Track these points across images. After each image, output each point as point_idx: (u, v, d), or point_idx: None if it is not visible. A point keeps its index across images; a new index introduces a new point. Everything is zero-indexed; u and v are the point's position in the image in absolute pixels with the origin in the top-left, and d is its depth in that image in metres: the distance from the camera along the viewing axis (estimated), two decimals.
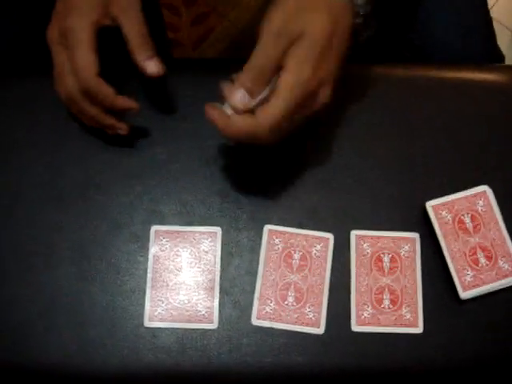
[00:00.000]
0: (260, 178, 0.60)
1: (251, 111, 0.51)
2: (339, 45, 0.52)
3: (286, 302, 0.56)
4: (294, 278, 0.57)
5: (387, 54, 0.76)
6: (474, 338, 0.56)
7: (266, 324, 0.56)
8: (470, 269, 0.57)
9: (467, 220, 0.58)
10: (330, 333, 0.55)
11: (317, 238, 0.58)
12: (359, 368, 0.55)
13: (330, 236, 0.58)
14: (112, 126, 0.58)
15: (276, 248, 0.57)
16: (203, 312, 0.56)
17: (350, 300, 0.56)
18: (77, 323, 0.55)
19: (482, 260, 0.57)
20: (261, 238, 0.58)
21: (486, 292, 0.56)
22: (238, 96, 0.51)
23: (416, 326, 0.56)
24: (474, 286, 0.56)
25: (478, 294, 0.56)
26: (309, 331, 0.55)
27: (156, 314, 0.55)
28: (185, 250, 0.57)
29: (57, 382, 0.56)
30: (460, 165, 0.60)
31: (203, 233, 0.58)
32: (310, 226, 0.58)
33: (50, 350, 0.55)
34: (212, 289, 0.56)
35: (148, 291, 0.56)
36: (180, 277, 0.56)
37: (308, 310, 0.56)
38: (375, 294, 0.57)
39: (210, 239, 0.57)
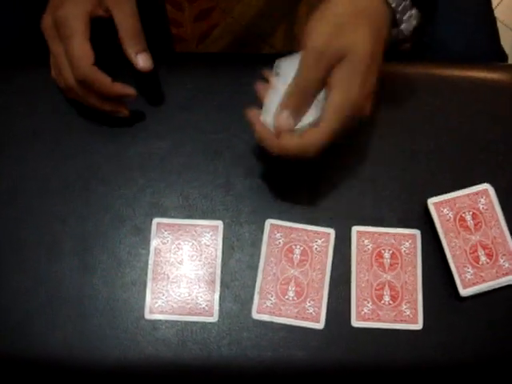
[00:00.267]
0: (262, 172, 0.60)
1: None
2: (379, 56, 0.53)
3: (286, 297, 0.56)
4: (294, 272, 0.57)
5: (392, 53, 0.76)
6: (474, 336, 0.56)
7: (266, 318, 0.56)
8: (470, 266, 0.57)
9: (468, 218, 0.58)
10: (329, 328, 0.56)
11: (318, 233, 0.58)
12: (358, 363, 0.55)
13: (331, 231, 0.58)
14: (111, 111, 0.58)
15: (277, 242, 0.57)
16: (203, 305, 0.56)
17: (350, 295, 0.56)
18: (78, 315, 0.56)
19: (483, 258, 0.57)
20: (262, 232, 0.58)
21: (486, 290, 0.57)
22: (283, 118, 0.51)
23: (416, 322, 0.56)
24: (474, 284, 0.56)
25: (478, 292, 0.56)
26: (309, 326, 0.56)
27: (156, 306, 0.56)
28: (186, 243, 0.57)
29: (57, 374, 0.56)
30: (462, 163, 0.61)
31: (205, 226, 0.58)
32: (311, 221, 0.58)
33: (50, 341, 0.55)
34: (213, 282, 0.56)
35: (149, 284, 0.56)
36: (181, 270, 0.57)
37: (308, 304, 0.56)
38: (375, 289, 0.57)
39: (211, 233, 0.58)
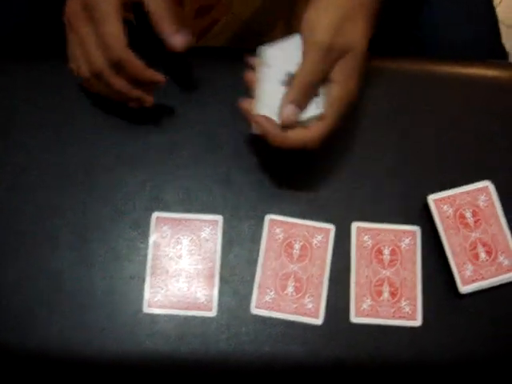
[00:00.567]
0: (263, 167, 0.59)
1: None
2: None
3: (285, 292, 0.56)
4: (294, 268, 0.57)
5: (392, 50, 0.76)
6: (473, 333, 0.56)
7: (265, 313, 0.56)
8: (469, 263, 0.57)
9: (468, 215, 0.58)
10: (328, 323, 0.56)
11: (318, 228, 0.58)
12: (357, 359, 0.55)
13: (331, 227, 0.58)
14: (138, 98, 0.57)
15: (277, 238, 0.57)
16: (202, 300, 0.56)
17: (349, 291, 0.56)
18: (76, 308, 0.55)
19: (482, 255, 0.57)
20: (262, 227, 0.58)
21: (486, 287, 0.57)
22: (290, 111, 0.53)
23: (415, 318, 0.56)
24: (473, 281, 0.56)
25: (477, 289, 0.56)
26: (307, 321, 0.55)
27: (155, 300, 0.55)
28: (185, 237, 0.57)
29: (55, 366, 0.56)
30: (462, 160, 0.61)
31: (204, 221, 0.58)
32: (311, 217, 0.58)
33: (48, 334, 0.55)
34: (212, 277, 0.56)
35: (148, 278, 0.56)
36: (180, 264, 0.56)
37: (307, 300, 0.56)
38: (375, 286, 0.57)
39: (211, 227, 0.57)
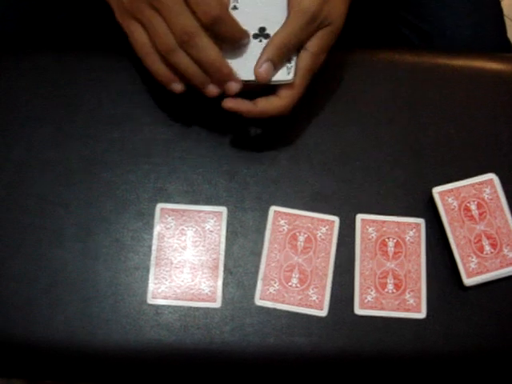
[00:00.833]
0: (267, 159, 0.59)
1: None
2: None
3: (289, 284, 0.56)
4: (298, 259, 0.57)
5: (383, 32, 0.77)
6: (477, 325, 0.56)
7: (269, 305, 0.56)
8: (474, 256, 0.57)
9: (473, 207, 0.58)
10: (332, 315, 0.56)
11: (322, 220, 0.58)
12: (361, 351, 0.55)
13: (335, 219, 0.58)
14: (228, 74, 0.53)
15: (281, 229, 0.57)
16: (206, 291, 0.56)
17: (353, 283, 0.56)
18: (81, 299, 0.55)
19: (487, 247, 0.57)
20: (266, 218, 0.58)
21: (490, 279, 0.56)
22: (264, 67, 0.53)
23: (419, 311, 0.56)
24: (478, 273, 0.56)
25: (481, 282, 0.56)
26: (312, 313, 0.55)
27: (159, 291, 0.55)
28: (190, 228, 0.57)
29: (59, 358, 0.56)
30: (467, 152, 0.60)
31: (208, 212, 0.57)
32: (315, 209, 0.58)
33: (53, 325, 0.55)
34: (216, 268, 0.56)
35: (152, 269, 0.56)
36: (184, 255, 0.56)
37: (312, 292, 0.56)
38: (379, 278, 0.57)
39: (215, 219, 0.57)
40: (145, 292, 0.56)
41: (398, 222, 0.58)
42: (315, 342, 0.55)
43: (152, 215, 0.57)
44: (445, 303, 0.56)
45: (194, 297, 0.55)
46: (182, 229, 0.57)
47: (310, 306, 0.56)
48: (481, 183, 0.59)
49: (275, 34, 0.53)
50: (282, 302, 0.56)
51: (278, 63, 0.53)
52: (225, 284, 0.56)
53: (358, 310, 0.56)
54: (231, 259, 0.57)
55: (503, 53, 0.72)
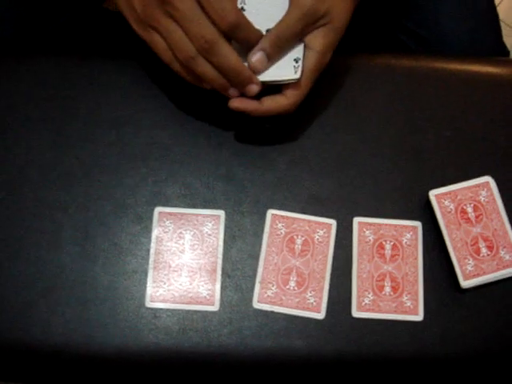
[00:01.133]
0: (265, 163, 0.60)
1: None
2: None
3: (287, 287, 0.56)
4: (296, 262, 0.57)
5: (381, 38, 0.77)
6: (474, 328, 0.56)
7: (267, 308, 0.56)
8: (471, 258, 0.57)
9: (469, 210, 0.58)
10: (330, 318, 0.56)
11: (320, 223, 0.58)
12: (358, 353, 0.55)
13: (332, 222, 0.58)
14: (248, 78, 0.53)
15: (279, 232, 0.57)
16: (205, 294, 0.56)
17: (351, 286, 0.57)
18: (78, 302, 0.56)
19: (484, 250, 0.57)
20: (264, 222, 0.58)
21: (487, 282, 0.57)
22: (257, 56, 0.53)
23: (416, 313, 0.56)
24: (474, 276, 0.57)
25: (478, 284, 0.56)
26: (309, 316, 0.56)
27: (157, 294, 0.56)
28: (188, 232, 0.57)
29: (57, 361, 0.56)
30: (464, 155, 0.61)
31: (206, 216, 0.58)
32: (313, 212, 0.58)
33: (51, 328, 0.55)
34: (214, 271, 0.56)
35: (150, 272, 0.56)
36: (182, 259, 0.57)
37: (309, 294, 0.56)
38: (376, 280, 0.57)
39: (213, 222, 0.58)
40: (143, 295, 0.56)
41: (395, 225, 0.58)
42: (313, 345, 0.55)
43: (150, 219, 0.58)
44: (442, 306, 0.57)
45: (192, 300, 0.56)
46: (180, 232, 0.57)
47: (308, 309, 0.56)
48: (477, 186, 0.59)
49: (272, 27, 0.53)
50: (280, 305, 0.56)
51: (272, 54, 0.53)
52: (223, 287, 0.56)
53: (356, 313, 0.56)
54: (229, 262, 0.57)
55: (499, 57, 0.73)
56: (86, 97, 0.61)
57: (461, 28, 0.73)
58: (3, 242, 0.57)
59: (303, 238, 0.57)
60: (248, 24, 0.52)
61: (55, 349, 0.55)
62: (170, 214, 0.58)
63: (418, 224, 0.58)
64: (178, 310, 0.56)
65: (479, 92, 0.64)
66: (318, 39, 0.53)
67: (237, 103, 0.55)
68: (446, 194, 0.58)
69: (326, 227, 0.58)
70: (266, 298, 0.56)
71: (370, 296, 0.56)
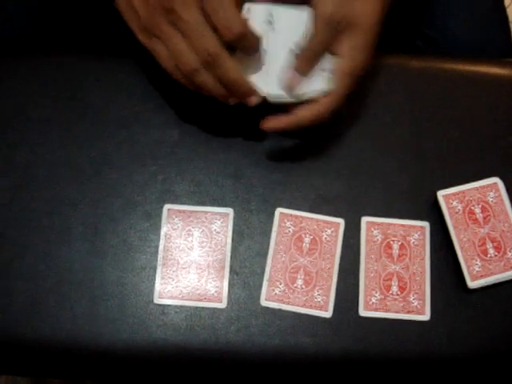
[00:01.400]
0: (273, 161, 0.60)
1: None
2: (381, 22, 0.55)
3: (295, 285, 0.56)
4: (303, 261, 0.57)
5: (400, 44, 0.77)
6: (481, 328, 0.56)
7: (275, 305, 0.56)
8: (478, 259, 0.57)
9: (477, 210, 0.58)
10: (337, 316, 0.56)
11: (328, 222, 0.58)
12: (365, 352, 0.56)
13: (340, 221, 0.58)
14: (249, 91, 0.54)
15: (287, 231, 0.58)
16: (213, 291, 0.56)
17: (358, 285, 0.57)
18: (87, 298, 0.56)
19: (491, 251, 0.57)
20: (272, 220, 0.58)
21: (494, 282, 0.57)
22: (291, 76, 0.54)
23: (423, 313, 0.56)
24: (482, 276, 0.57)
25: (485, 284, 0.57)
26: (317, 314, 0.56)
27: (166, 291, 0.56)
28: (196, 229, 0.58)
29: (66, 357, 0.56)
30: (472, 156, 0.61)
31: (215, 213, 0.58)
32: (321, 211, 0.58)
33: (60, 324, 0.55)
34: (222, 269, 0.57)
35: (159, 269, 0.57)
36: (191, 256, 0.57)
37: (317, 293, 0.56)
38: (384, 280, 0.57)
39: (221, 220, 0.58)
40: (151, 292, 0.56)
41: (402, 225, 0.59)
42: (320, 343, 0.56)
43: (159, 216, 0.58)
44: (449, 306, 0.57)
45: (200, 297, 0.56)
46: (189, 229, 0.58)
47: (315, 308, 0.56)
48: (485, 187, 0.59)
49: (300, 45, 0.53)
50: (287, 303, 0.56)
51: (306, 71, 0.53)
52: (231, 285, 0.56)
53: (363, 312, 0.56)
54: (237, 260, 0.57)
55: (508, 58, 0.73)
56: (95, 95, 0.61)
57: (469, 29, 0.73)
58: (13, 239, 0.57)
59: (311, 237, 0.58)
60: (253, 33, 0.51)
61: (64, 344, 0.56)
62: (179, 211, 0.58)
63: (425, 224, 0.59)
64: (186, 306, 0.56)
65: (487, 93, 0.64)
66: (343, 43, 0.53)
67: (269, 124, 0.55)
68: (454, 194, 0.59)
69: (333, 226, 0.58)
70: (273, 295, 0.56)
71: (377, 295, 0.57)
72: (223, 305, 0.56)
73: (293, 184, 0.59)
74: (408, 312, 0.56)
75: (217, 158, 0.60)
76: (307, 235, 0.58)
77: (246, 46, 0.52)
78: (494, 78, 0.65)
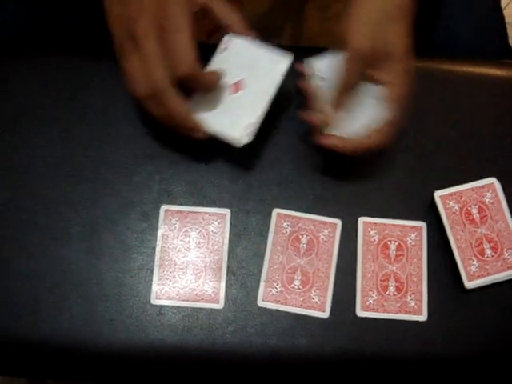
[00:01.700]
0: (270, 162, 0.60)
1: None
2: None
3: (292, 285, 0.57)
4: (300, 261, 0.57)
5: None
6: (478, 328, 0.57)
7: (272, 306, 0.56)
8: (475, 259, 0.57)
9: (474, 211, 0.58)
10: (334, 317, 0.56)
11: (325, 223, 0.58)
12: (362, 352, 0.56)
13: (337, 222, 0.58)
14: (193, 127, 0.55)
15: (284, 231, 0.58)
16: (210, 292, 0.56)
17: (355, 285, 0.57)
18: (84, 299, 0.56)
19: (488, 251, 0.57)
20: (269, 221, 0.58)
21: (491, 282, 0.57)
22: (333, 114, 0.56)
23: (420, 313, 0.56)
24: (478, 276, 0.57)
25: (482, 285, 0.57)
26: (314, 315, 0.56)
27: (163, 292, 0.56)
28: (193, 230, 0.58)
29: (63, 357, 0.56)
30: (469, 156, 0.61)
31: (212, 214, 0.58)
32: (318, 212, 0.59)
33: (57, 324, 0.56)
34: (219, 269, 0.57)
35: (156, 269, 0.57)
36: (188, 256, 0.57)
37: (314, 293, 0.56)
38: (381, 280, 0.57)
39: (218, 220, 0.58)
40: (148, 292, 0.56)
41: (399, 225, 0.59)
42: (317, 344, 0.56)
43: (156, 216, 0.58)
44: (446, 306, 0.57)
45: (197, 298, 0.56)
46: (186, 230, 0.58)
47: (312, 308, 0.56)
48: (482, 187, 0.59)
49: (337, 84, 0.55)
50: (285, 304, 0.56)
51: (340, 100, 0.56)
52: (228, 285, 0.57)
53: (360, 312, 0.56)
54: (234, 261, 0.57)
55: (505, 59, 0.73)
56: (94, 95, 0.61)
57: (467, 30, 0.73)
58: (12, 238, 0.57)
59: (308, 238, 0.58)
60: (202, 76, 0.53)
61: (61, 344, 0.56)
62: (176, 211, 0.58)
63: (422, 224, 0.59)
64: (183, 307, 0.56)
65: (485, 94, 0.64)
66: (381, 73, 0.55)
67: (327, 141, 0.56)
68: (450, 194, 0.59)
69: (330, 227, 0.58)
70: (270, 296, 0.56)
71: (374, 296, 0.57)
72: (220, 305, 0.56)
73: (290, 185, 0.59)
74: (405, 312, 0.56)
75: (214, 158, 0.60)
76: (304, 236, 0.58)
77: (194, 86, 0.54)
78: (492, 79, 0.65)
